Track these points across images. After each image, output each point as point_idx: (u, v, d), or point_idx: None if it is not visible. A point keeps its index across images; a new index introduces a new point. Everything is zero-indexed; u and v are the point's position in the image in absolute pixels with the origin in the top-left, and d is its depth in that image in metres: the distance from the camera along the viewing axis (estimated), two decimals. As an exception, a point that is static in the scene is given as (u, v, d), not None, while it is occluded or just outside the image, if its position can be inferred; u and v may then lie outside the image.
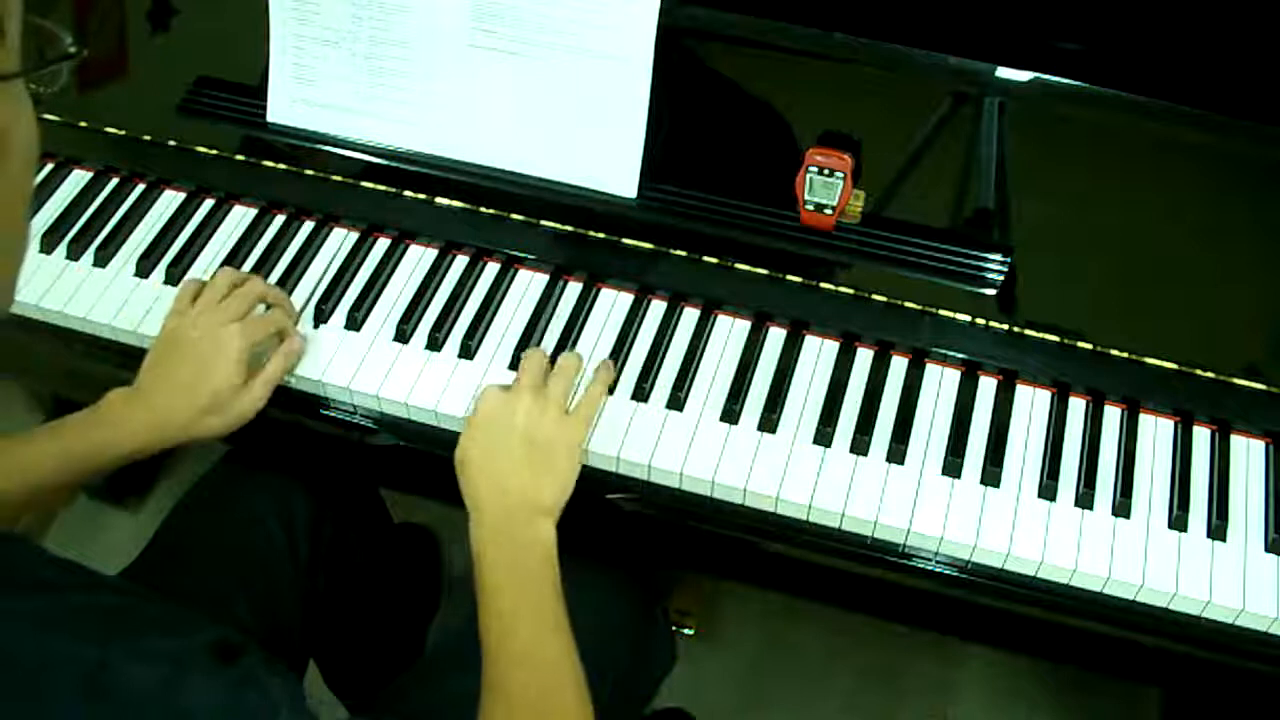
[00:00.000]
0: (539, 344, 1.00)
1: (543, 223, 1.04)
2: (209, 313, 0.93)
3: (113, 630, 0.53)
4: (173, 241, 1.08)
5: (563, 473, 0.87)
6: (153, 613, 0.57)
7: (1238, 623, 0.87)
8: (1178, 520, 0.90)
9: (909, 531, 0.90)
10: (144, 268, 1.06)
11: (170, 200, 1.12)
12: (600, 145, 1.01)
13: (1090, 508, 0.91)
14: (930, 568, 0.91)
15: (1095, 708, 1.53)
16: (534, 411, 0.87)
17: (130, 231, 1.09)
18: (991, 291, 0.97)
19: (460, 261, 1.06)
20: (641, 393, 0.96)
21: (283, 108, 1.07)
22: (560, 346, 0.99)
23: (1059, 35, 0.95)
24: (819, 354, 0.99)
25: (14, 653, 0.50)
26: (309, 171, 1.09)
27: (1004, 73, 0.93)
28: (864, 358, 0.99)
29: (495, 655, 0.79)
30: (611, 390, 0.96)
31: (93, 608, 0.54)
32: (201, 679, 0.54)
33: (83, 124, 1.12)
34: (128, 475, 1.58)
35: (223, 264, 1.06)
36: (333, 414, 1.00)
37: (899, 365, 0.99)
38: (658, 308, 1.03)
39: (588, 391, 0.93)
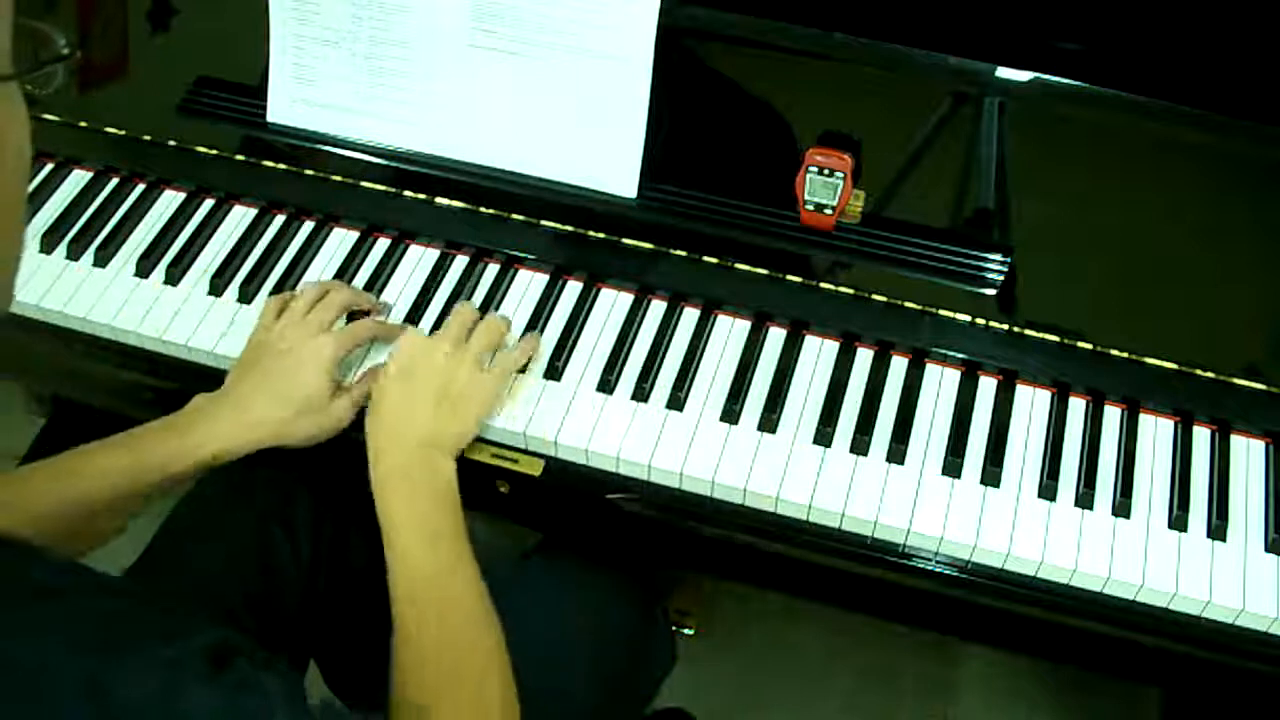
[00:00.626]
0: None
1: (543, 223, 1.04)
2: (296, 326, 0.93)
3: (110, 640, 0.52)
4: (173, 241, 1.08)
5: (465, 423, 0.90)
6: (151, 618, 0.57)
7: (1238, 623, 0.87)
8: (1178, 520, 0.90)
9: (909, 531, 0.90)
10: (144, 268, 1.06)
11: (170, 200, 1.12)
12: (600, 145, 1.00)
13: (1090, 508, 0.91)
14: (930, 568, 0.91)
15: (1095, 708, 1.53)
16: (450, 362, 0.90)
17: (130, 231, 1.09)
18: (991, 291, 0.97)
19: (460, 262, 1.06)
20: (641, 393, 0.96)
21: (283, 108, 1.07)
22: (560, 346, 0.99)
23: (1059, 35, 0.95)
24: (819, 354, 0.99)
25: (12, 661, 0.49)
26: (309, 171, 1.09)
27: (1004, 73, 0.93)
28: (864, 358, 0.99)
29: (398, 595, 0.79)
30: (611, 390, 0.96)
31: (90, 615, 0.53)
32: (199, 687, 0.53)
33: (83, 124, 1.12)
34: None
35: (222, 264, 1.06)
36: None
37: (899, 365, 0.99)
38: (658, 308, 1.03)
39: (505, 354, 0.95)
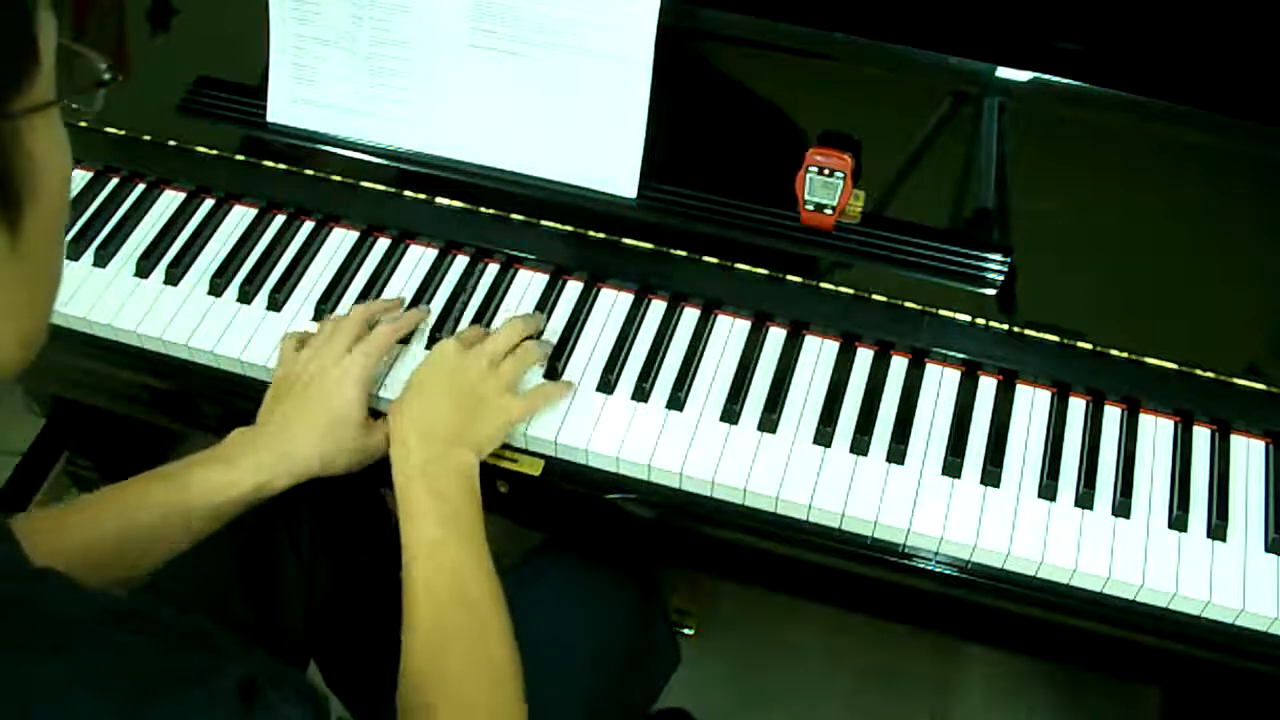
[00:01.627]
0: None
1: (543, 223, 1.04)
2: (319, 352, 0.93)
3: (144, 691, 0.51)
4: (173, 241, 1.08)
5: (489, 430, 0.90)
6: (186, 650, 0.56)
7: (1238, 623, 0.87)
8: (1178, 520, 0.90)
9: (909, 531, 0.90)
10: (144, 268, 1.06)
11: (170, 200, 1.12)
12: (600, 145, 1.00)
13: (1090, 508, 0.91)
14: (930, 568, 0.91)
15: (1095, 708, 1.53)
16: (483, 381, 0.90)
17: (130, 231, 1.09)
18: (991, 291, 0.97)
19: (460, 262, 1.06)
20: (641, 393, 0.96)
21: (283, 108, 1.07)
22: (560, 347, 0.99)
23: (1059, 35, 0.95)
24: (819, 354, 0.99)
25: (43, 702, 0.49)
26: (309, 171, 1.09)
27: (1004, 73, 0.93)
28: (864, 358, 0.99)
29: (412, 584, 0.79)
30: (611, 390, 0.96)
31: (126, 661, 0.52)
32: None
33: (83, 124, 1.12)
34: (126, 476, 1.58)
35: (222, 264, 1.06)
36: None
37: (899, 365, 0.99)
38: (658, 308, 1.03)
39: (541, 388, 0.95)
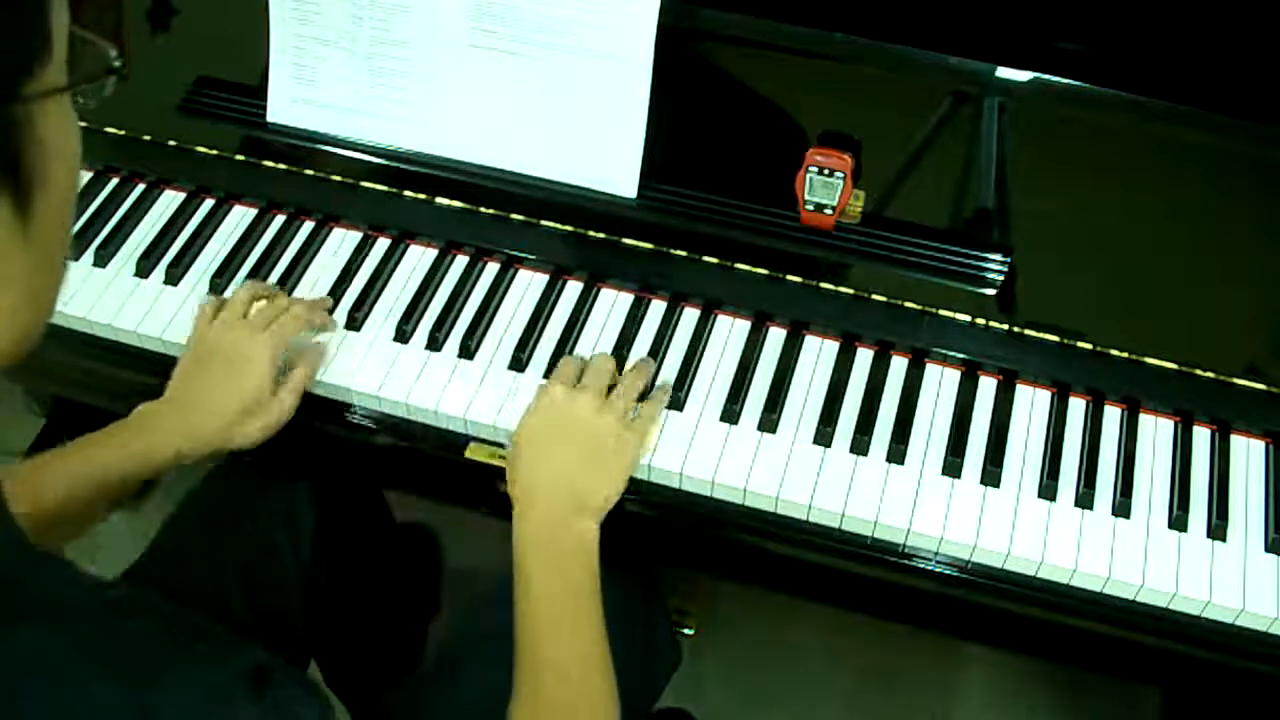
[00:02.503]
0: (538, 344, 1.00)
1: (543, 223, 1.04)
2: (235, 326, 0.93)
3: (150, 669, 0.51)
4: (173, 241, 1.08)
5: (616, 483, 0.88)
6: (190, 641, 0.56)
7: (1238, 623, 0.87)
8: (1178, 520, 0.90)
9: (909, 531, 0.90)
10: (144, 268, 1.06)
11: (170, 200, 1.12)
12: (600, 145, 1.00)
13: (1090, 508, 0.91)
14: (930, 568, 0.91)
15: (1095, 708, 1.53)
16: (599, 420, 0.88)
17: (130, 231, 1.09)
18: (991, 291, 0.97)
19: (460, 261, 1.06)
20: (642, 393, 0.96)
21: (283, 108, 1.07)
22: (560, 346, 0.99)
23: (1059, 35, 0.95)
24: (819, 354, 0.99)
25: (50, 691, 0.49)
26: (309, 171, 1.09)
27: (1004, 73, 0.93)
28: (864, 358, 0.99)
29: (532, 662, 0.79)
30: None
31: (130, 641, 0.52)
32: (247, 705, 0.53)
33: (82, 124, 1.11)
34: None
35: (222, 264, 1.06)
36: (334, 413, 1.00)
37: (899, 365, 0.99)
38: (658, 308, 1.03)
39: (647, 404, 0.93)
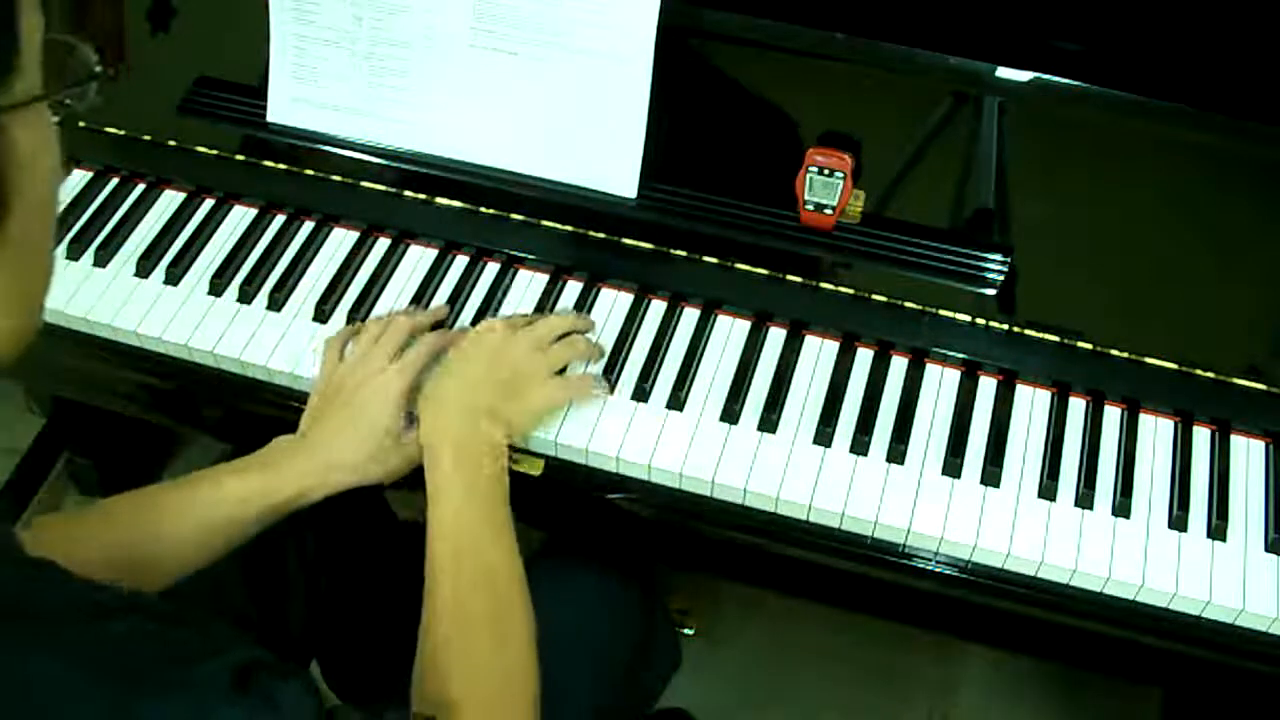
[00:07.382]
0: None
1: (543, 223, 1.04)
2: (362, 362, 0.92)
3: (135, 675, 0.51)
4: (173, 241, 1.08)
5: (528, 409, 0.91)
6: (180, 637, 0.56)
7: (1238, 623, 0.87)
8: (1178, 520, 0.90)
9: (909, 531, 0.90)
10: (144, 268, 1.06)
11: (170, 200, 1.12)
12: (600, 145, 1.00)
13: (1090, 508, 0.91)
14: (930, 568, 0.91)
15: (1095, 708, 1.53)
16: (527, 361, 0.91)
17: (130, 231, 1.09)
18: (991, 291, 0.97)
19: (460, 261, 1.06)
20: (642, 393, 0.96)
21: (283, 108, 1.07)
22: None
23: (1059, 35, 0.95)
24: (819, 354, 0.99)
25: (37, 690, 0.49)
26: (309, 171, 1.09)
27: (1004, 73, 0.93)
28: (864, 358, 0.99)
29: (442, 571, 0.80)
30: (611, 390, 0.96)
31: (118, 641, 0.52)
32: (225, 708, 0.53)
33: (82, 124, 1.12)
34: (126, 476, 1.58)
35: (222, 264, 1.06)
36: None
37: (899, 365, 0.99)
38: (658, 308, 1.03)
39: (584, 377, 0.95)
